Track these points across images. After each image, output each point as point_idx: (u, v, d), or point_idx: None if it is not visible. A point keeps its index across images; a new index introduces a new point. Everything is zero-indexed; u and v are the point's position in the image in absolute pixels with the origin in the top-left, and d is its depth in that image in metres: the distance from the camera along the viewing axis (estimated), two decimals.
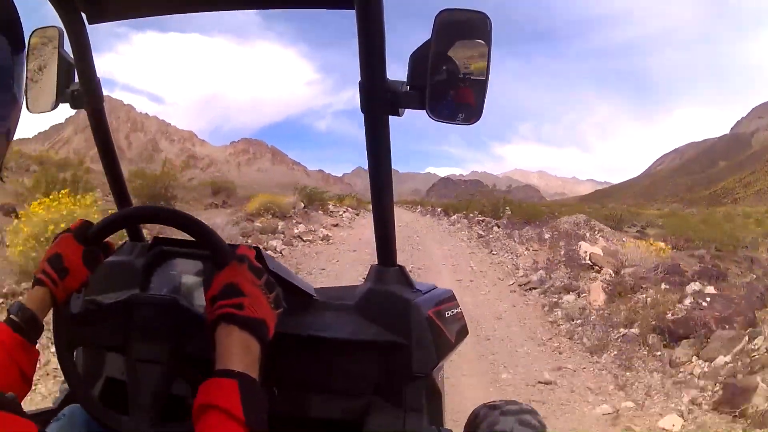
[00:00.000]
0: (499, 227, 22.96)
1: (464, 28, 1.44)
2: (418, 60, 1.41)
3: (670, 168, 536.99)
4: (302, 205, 24.24)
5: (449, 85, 1.43)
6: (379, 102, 1.43)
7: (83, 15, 1.74)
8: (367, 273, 1.87)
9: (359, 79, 1.41)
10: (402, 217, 28.99)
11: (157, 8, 1.84)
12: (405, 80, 1.44)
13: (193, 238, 1.39)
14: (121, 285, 1.86)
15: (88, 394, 1.44)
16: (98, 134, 1.98)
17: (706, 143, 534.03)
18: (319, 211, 25.25)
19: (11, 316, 1.28)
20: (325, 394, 1.74)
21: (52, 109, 1.85)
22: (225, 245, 1.31)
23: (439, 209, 39.98)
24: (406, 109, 1.46)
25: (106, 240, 1.48)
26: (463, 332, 1.93)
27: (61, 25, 1.74)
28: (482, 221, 25.84)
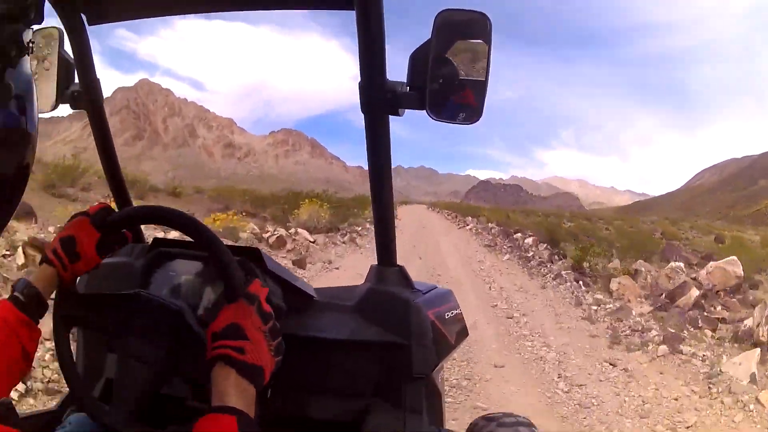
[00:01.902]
0: None
1: (464, 28, 1.44)
2: (418, 60, 1.41)
3: (709, 183, 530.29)
4: None
5: (449, 85, 1.42)
6: (379, 102, 1.44)
7: (83, 16, 1.77)
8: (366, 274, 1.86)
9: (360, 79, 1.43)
10: (442, 254, 18.41)
11: (157, 10, 1.84)
12: (405, 80, 1.44)
13: (211, 261, 1.37)
14: (121, 286, 1.75)
15: (75, 372, 1.43)
16: (98, 134, 2.00)
17: (746, 160, 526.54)
18: None
19: (16, 293, 1.29)
20: (324, 395, 1.74)
21: (52, 110, 1.86)
22: (240, 279, 1.28)
23: (516, 234, 24.47)
24: (407, 110, 1.47)
25: (124, 231, 1.48)
26: (462, 333, 1.91)
27: (60, 25, 1.76)
28: None
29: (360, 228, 23.35)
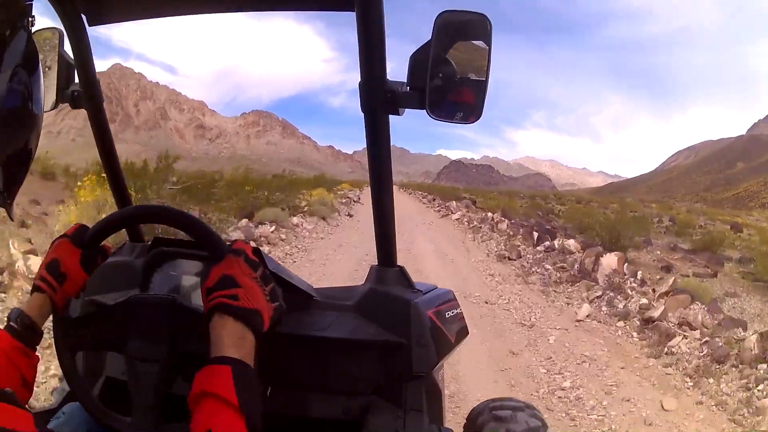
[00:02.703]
0: None
1: (464, 30, 1.45)
2: (418, 61, 1.41)
3: (685, 165, 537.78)
4: None
5: (449, 85, 1.44)
6: (379, 102, 1.45)
7: (83, 17, 1.77)
8: (367, 274, 1.86)
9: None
10: None
11: (157, 10, 1.82)
12: (405, 81, 1.45)
13: (190, 236, 1.39)
14: (121, 285, 1.86)
15: (90, 397, 1.45)
16: (98, 134, 2.01)
17: (722, 143, 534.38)
18: None
19: (11, 323, 1.31)
20: (325, 394, 1.72)
21: (52, 110, 1.83)
22: (221, 240, 1.32)
23: (561, 240, 14.03)
24: (407, 109, 1.48)
25: (103, 245, 1.49)
26: (463, 332, 1.90)
27: (61, 25, 1.76)
28: None
29: (279, 232, 14.14)
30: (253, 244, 1.62)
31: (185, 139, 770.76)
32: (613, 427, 4.95)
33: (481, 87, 1.43)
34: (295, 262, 11.52)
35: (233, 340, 1.09)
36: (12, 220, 0.99)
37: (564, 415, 5.18)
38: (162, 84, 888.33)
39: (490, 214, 23.71)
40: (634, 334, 7.55)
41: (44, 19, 1.56)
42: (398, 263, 1.82)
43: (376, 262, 1.85)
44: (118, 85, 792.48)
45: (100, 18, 1.81)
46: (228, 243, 1.30)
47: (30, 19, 0.91)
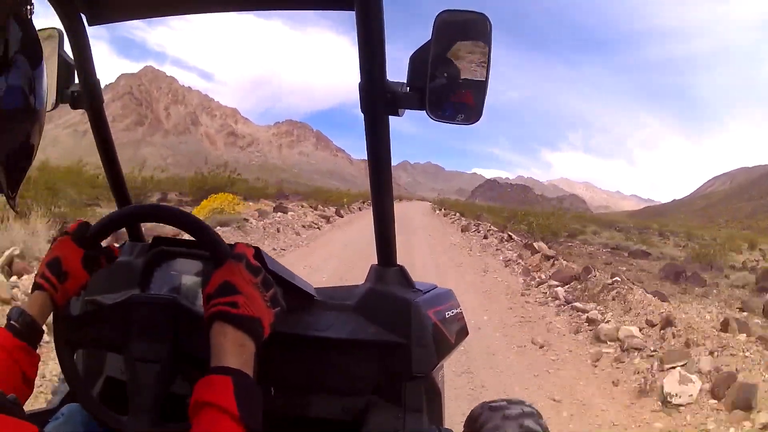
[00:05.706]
0: None
1: (464, 29, 1.44)
2: (418, 61, 1.42)
3: (722, 191, 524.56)
4: None
5: (449, 85, 1.43)
6: (379, 102, 1.45)
7: (83, 16, 1.77)
8: (367, 273, 1.86)
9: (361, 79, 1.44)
10: None
11: (158, 10, 1.86)
12: (405, 81, 1.45)
13: (192, 237, 1.40)
14: (121, 285, 1.86)
15: (89, 395, 1.46)
16: (98, 134, 2.01)
17: (759, 169, 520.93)
18: None
19: (11, 321, 1.31)
20: (324, 394, 1.73)
21: (52, 110, 1.81)
22: (223, 243, 1.32)
23: None
24: (407, 110, 1.47)
25: (109, 245, 1.51)
26: (462, 332, 1.90)
27: (60, 25, 1.77)
28: None
29: None
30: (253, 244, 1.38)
31: (216, 145, 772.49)
32: None
33: (481, 87, 1.42)
34: None
35: (233, 348, 1.10)
36: (16, 212, 0.92)
37: None
38: (194, 89, 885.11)
39: None
40: None
41: (44, 19, 1.52)
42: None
43: None
44: (149, 88, 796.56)
45: (100, 17, 1.80)
46: (229, 244, 1.30)
47: (29, 6, 0.90)
